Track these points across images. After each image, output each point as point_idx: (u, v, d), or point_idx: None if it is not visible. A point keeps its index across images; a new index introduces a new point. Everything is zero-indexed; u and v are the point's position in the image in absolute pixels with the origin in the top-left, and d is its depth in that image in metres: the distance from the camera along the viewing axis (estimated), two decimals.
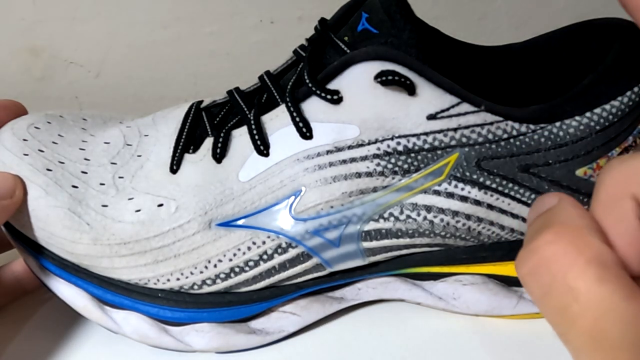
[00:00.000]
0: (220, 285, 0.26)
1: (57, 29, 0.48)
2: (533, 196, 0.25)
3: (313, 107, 0.25)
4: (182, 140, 0.26)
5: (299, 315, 0.27)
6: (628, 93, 0.24)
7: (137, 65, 0.50)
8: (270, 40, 0.50)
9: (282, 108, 0.25)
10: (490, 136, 0.24)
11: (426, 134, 0.24)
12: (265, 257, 0.25)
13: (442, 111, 0.24)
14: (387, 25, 0.24)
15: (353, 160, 0.24)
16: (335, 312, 0.28)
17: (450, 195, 0.24)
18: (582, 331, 0.15)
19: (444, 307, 0.28)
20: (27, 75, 0.49)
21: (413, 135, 0.24)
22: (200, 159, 0.26)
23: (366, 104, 0.24)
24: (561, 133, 0.24)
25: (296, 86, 0.26)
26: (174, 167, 0.26)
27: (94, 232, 0.25)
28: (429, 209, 0.25)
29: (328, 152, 0.24)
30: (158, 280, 0.25)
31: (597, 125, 0.24)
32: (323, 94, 0.24)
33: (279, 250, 0.25)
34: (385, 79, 0.23)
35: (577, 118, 0.24)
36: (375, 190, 0.25)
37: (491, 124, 0.24)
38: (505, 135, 0.24)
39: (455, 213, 0.25)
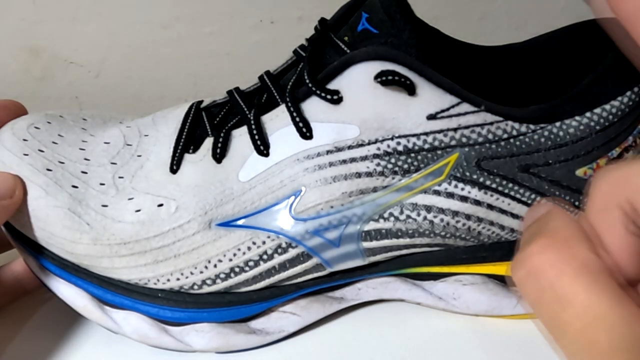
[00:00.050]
0: (220, 285, 0.26)
1: (57, 29, 0.48)
2: (533, 196, 0.25)
3: (313, 107, 0.25)
4: (182, 140, 0.26)
5: (299, 315, 0.27)
6: (628, 93, 0.24)
7: (137, 65, 0.50)
8: (270, 40, 0.50)
9: (282, 108, 0.25)
10: (490, 136, 0.24)
11: (426, 134, 0.24)
12: (265, 257, 0.25)
13: (442, 111, 0.24)
14: (387, 25, 0.24)
15: (353, 160, 0.24)
16: (335, 312, 0.28)
17: (450, 195, 0.24)
18: (573, 338, 0.15)
19: (444, 307, 0.28)
20: (27, 75, 0.49)
21: (413, 135, 0.24)
22: (200, 159, 0.26)
23: (366, 104, 0.24)
24: (561, 133, 0.24)
25: (296, 86, 0.26)
26: (174, 167, 0.26)
27: (94, 232, 0.25)
28: (429, 209, 0.25)
29: (328, 152, 0.24)
30: (158, 280, 0.25)
31: (597, 125, 0.24)
32: (323, 94, 0.24)
33: (279, 250, 0.25)
34: (385, 79, 0.23)
35: (577, 118, 0.24)
36: (375, 190, 0.25)
37: (491, 124, 0.24)
38: (505, 135, 0.24)
39: (455, 213, 0.25)
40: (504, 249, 0.26)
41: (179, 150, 0.26)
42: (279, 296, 0.27)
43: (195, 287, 0.26)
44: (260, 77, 0.28)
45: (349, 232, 0.25)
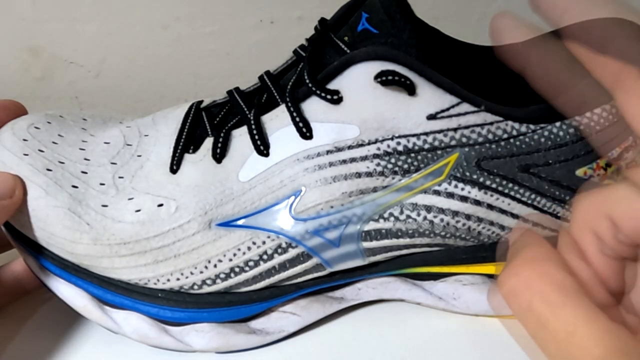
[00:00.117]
0: (220, 285, 0.26)
1: (57, 29, 0.48)
2: (533, 196, 0.25)
3: (313, 107, 0.25)
4: (182, 140, 0.26)
5: (299, 315, 0.27)
6: None
7: (137, 65, 0.50)
8: (270, 40, 0.50)
9: (282, 108, 0.25)
10: (490, 136, 0.24)
11: (426, 134, 0.24)
12: (265, 257, 0.25)
13: (442, 111, 0.24)
14: (387, 25, 0.24)
15: (353, 160, 0.24)
16: (335, 312, 0.28)
17: (450, 195, 0.24)
18: (554, 353, 0.16)
19: (444, 307, 0.28)
20: (27, 75, 0.49)
21: (413, 135, 0.24)
22: (200, 159, 0.26)
23: (366, 104, 0.24)
24: (561, 133, 0.24)
25: (296, 86, 0.26)
26: (174, 167, 0.26)
27: (94, 232, 0.25)
28: (429, 209, 0.25)
29: (328, 152, 0.24)
30: (158, 280, 0.25)
31: (597, 126, 0.24)
32: (323, 94, 0.24)
33: (279, 250, 0.25)
34: (385, 79, 0.23)
35: (577, 118, 0.24)
36: (375, 190, 0.25)
37: (491, 124, 0.24)
38: (505, 135, 0.24)
39: (455, 213, 0.25)
40: (504, 249, 0.26)
41: (179, 150, 0.26)
42: (279, 296, 0.27)
43: (195, 287, 0.26)
44: (260, 77, 0.28)
45: (349, 232, 0.25)
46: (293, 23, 0.50)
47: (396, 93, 0.24)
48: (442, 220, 0.25)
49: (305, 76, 0.25)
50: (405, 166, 0.24)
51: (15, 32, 0.48)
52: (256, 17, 0.50)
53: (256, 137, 0.25)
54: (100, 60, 0.50)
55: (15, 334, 0.28)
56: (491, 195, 0.24)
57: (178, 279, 0.25)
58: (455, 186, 0.24)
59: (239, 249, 0.25)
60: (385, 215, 0.25)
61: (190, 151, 0.26)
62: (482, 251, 0.26)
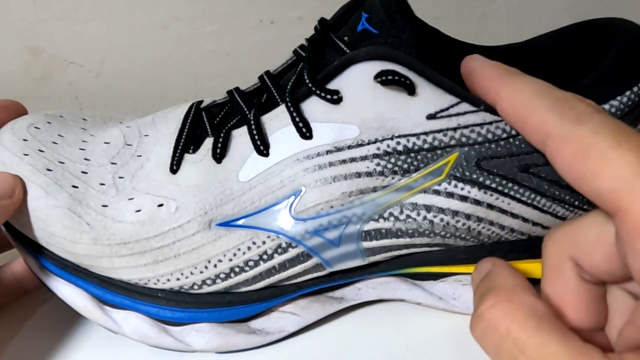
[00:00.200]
0: (220, 285, 0.26)
1: (57, 29, 0.48)
2: (533, 196, 0.25)
3: (313, 107, 0.25)
4: (182, 140, 0.26)
5: (299, 315, 0.27)
6: (627, 93, 0.24)
7: (137, 65, 0.50)
8: (270, 40, 0.50)
9: (282, 108, 0.25)
10: (489, 136, 0.24)
11: (426, 133, 0.24)
12: (265, 257, 0.25)
13: (442, 111, 0.24)
14: (387, 25, 0.24)
15: (353, 160, 0.24)
16: (335, 312, 0.28)
17: (450, 195, 0.24)
18: None
19: (444, 307, 0.28)
20: (27, 75, 0.49)
21: (413, 135, 0.24)
22: (200, 159, 0.26)
23: (366, 104, 0.24)
24: None
25: (296, 86, 0.26)
26: (174, 167, 0.26)
27: (94, 232, 0.25)
28: (428, 208, 0.25)
29: (328, 152, 0.24)
30: (158, 280, 0.25)
31: None
32: (323, 94, 0.24)
33: (279, 250, 0.25)
34: (385, 79, 0.23)
35: None
36: (375, 190, 0.25)
37: (490, 123, 0.24)
38: (505, 135, 0.24)
39: (455, 213, 0.25)
40: (504, 249, 0.26)
41: (179, 150, 0.26)
42: (279, 296, 0.27)
43: (195, 287, 0.26)
44: (260, 77, 0.28)
45: (348, 232, 0.25)
46: (293, 23, 0.50)
47: (396, 93, 0.24)
48: (442, 220, 0.25)
49: (305, 76, 0.25)
50: (405, 166, 0.24)
51: (15, 32, 0.48)
52: (256, 17, 0.50)
53: (256, 137, 0.25)
54: (100, 60, 0.50)
55: (15, 334, 0.29)
56: (491, 195, 0.24)
57: (178, 279, 0.25)
58: (455, 186, 0.24)
59: (239, 249, 0.25)
60: (385, 215, 0.25)
61: (190, 151, 0.26)
62: (482, 251, 0.26)
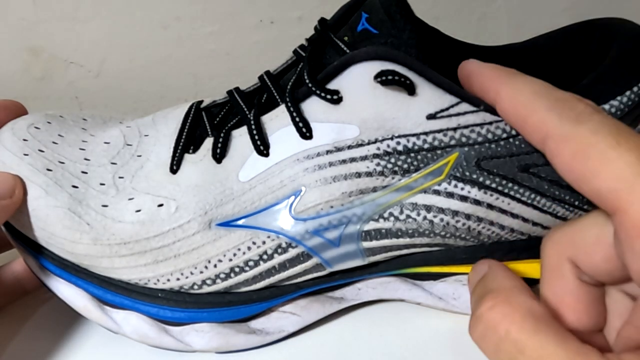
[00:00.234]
0: (220, 285, 0.26)
1: (57, 29, 0.48)
2: (533, 196, 0.25)
3: (313, 107, 0.25)
4: (182, 140, 0.26)
5: (299, 315, 0.27)
6: (627, 93, 0.24)
7: (137, 65, 0.50)
8: (270, 40, 0.50)
9: (282, 108, 0.25)
10: (489, 136, 0.24)
11: (426, 133, 0.24)
12: (265, 257, 0.25)
13: (442, 111, 0.24)
14: (387, 25, 0.24)
15: (353, 160, 0.24)
16: (335, 312, 0.28)
17: (450, 195, 0.24)
18: None
19: (444, 307, 0.28)
20: (27, 75, 0.49)
21: (413, 135, 0.24)
22: (200, 159, 0.26)
23: (366, 104, 0.24)
24: None
25: (296, 86, 0.26)
26: (174, 167, 0.26)
27: (94, 232, 0.25)
28: (428, 208, 0.25)
29: (328, 152, 0.24)
30: (158, 280, 0.25)
31: None
32: (323, 94, 0.24)
33: (279, 250, 0.25)
34: (385, 79, 0.23)
35: None
36: (375, 190, 0.25)
37: (490, 123, 0.24)
38: (505, 135, 0.24)
39: (455, 213, 0.25)
40: (504, 249, 0.26)
41: (179, 150, 0.26)
42: (279, 296, 0.27)
43: (195, 287, 0.26)
44: (260, 77, 0.28)
45: (348, 232, 0.25)
46: (293, 23, 0.50)
47: (396, 93, 0.24)
48: (442, 220, 0.25)
49: (305, 76, 0.25)
50: (405, 166, 0.24)
51: (15, 32, 0.48)
52: (256, 17, 0.50)
53: (256, 137, 0.25)
54: (100, 60, 0.50)
55: (15, 334, 0.28)
56: (491, 195, 0.24)
57: (178, 279, 0.25)
58: (455, 186, 0.24)
59: (239, 249, 0.25)
60: (385, 215, 0.25)
61: (190, 151, 0.26)
62: (482, 251, 0.26)
